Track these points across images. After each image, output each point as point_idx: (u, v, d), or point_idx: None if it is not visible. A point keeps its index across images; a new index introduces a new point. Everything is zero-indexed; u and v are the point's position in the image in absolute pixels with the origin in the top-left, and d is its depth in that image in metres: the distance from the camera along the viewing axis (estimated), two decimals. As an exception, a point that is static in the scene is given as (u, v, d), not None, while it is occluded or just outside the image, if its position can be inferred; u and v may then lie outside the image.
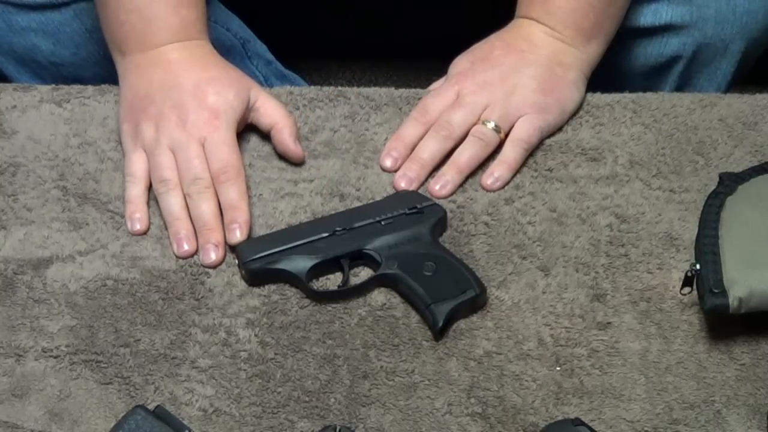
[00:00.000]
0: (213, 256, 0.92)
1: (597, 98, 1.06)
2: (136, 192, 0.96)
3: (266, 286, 0.90)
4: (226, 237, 0.92)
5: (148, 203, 0.96)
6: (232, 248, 0.92)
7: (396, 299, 0.90)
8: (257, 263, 0.90)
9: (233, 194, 0.93)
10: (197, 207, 0.93)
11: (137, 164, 0.97)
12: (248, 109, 1.00)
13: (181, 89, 0.97)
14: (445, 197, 0.97)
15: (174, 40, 0.99)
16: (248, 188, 0.97)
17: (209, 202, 0.93)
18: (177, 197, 0.94)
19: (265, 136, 1.02)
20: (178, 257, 0.92)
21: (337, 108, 1.06)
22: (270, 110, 1.01)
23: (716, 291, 0.82)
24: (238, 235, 0.92)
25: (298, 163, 1.00)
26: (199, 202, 0.93)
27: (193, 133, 0.95)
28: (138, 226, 0.95)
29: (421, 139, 1.00)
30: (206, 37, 1.03)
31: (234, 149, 0.96)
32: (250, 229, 0.93)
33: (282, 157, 1.01)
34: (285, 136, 0.99)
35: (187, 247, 0.92)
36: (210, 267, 0.92)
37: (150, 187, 0.97)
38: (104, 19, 1.02)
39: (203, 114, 0.96)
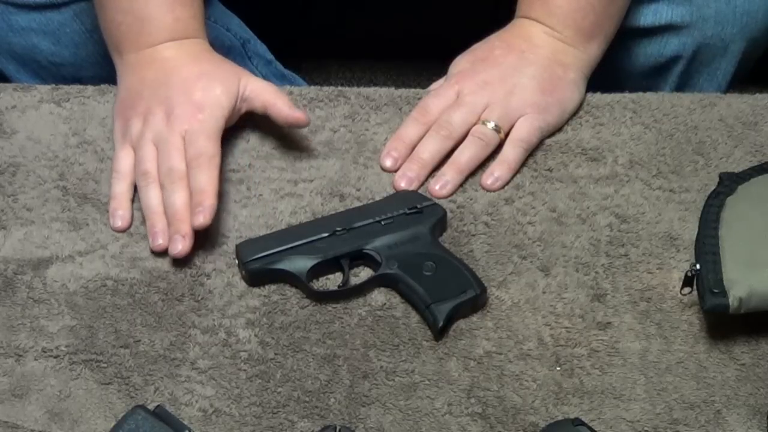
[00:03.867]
0: (179, 246, 0.90)
1: (597, 98, 1.06)
2: (120, 188, 0.96)
3: (266, 287, 0.90)
4: (191, 221, 0.91)
5: (132, 200, 0.96)
6: (219, 245, 0.93)
7: (396, 299, 0.90)
8: (257, 263, 0.90)
9: (202, 179, 0.92)
10: (169, 197, 0.93)
11: (124, 160, 0.97)
12: (239, 100, 0.99)
13: (170, 86, 0.97)
14: (445, 197, 0.97)
15: (168, 39, 0.99)
16: (249, 188, 0.98)
17: (181, 192, 0.92)
18: (156, 190, 0.94)
19: (265, 136, 1.02)
20: (151, 251, 0.92)
21: (337, 108, 1.06)
22: (258, 92, 1.00)
23: (716, 291, 0.82)
24: (201, 219, 0.90)
25: (300, 163, 1.00)
26: (171, 193, 0.93)
27: (175, 126, 0.95)
28: (119, 223, 0.95)
29: (421, 139, 1.00)
30: (202, 35, 1.02)
31: (211, 139, 0.95)
32: (217, 214, 0.92)
33: (282, 156, 1.01)
34: (280, 109, 0.99)
35: (161, 241, 0.92)
36: (176, 257, 0.91)
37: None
38: (102, 20, 1.02)
39: (188, 108, 0.96)
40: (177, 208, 0.92)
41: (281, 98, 0.99)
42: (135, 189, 0.97)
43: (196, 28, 1.02)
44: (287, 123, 1.00)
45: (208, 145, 0.94)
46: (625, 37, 1.11)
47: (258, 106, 1.00)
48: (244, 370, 0.85)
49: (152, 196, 0.94)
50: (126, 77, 1.01)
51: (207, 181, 0.92)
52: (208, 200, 0.91)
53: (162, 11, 0.99)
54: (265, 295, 0.90)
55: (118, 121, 1.00)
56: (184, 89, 0.97)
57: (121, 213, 0.95)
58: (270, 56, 1.26)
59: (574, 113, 1.04)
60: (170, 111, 0.96)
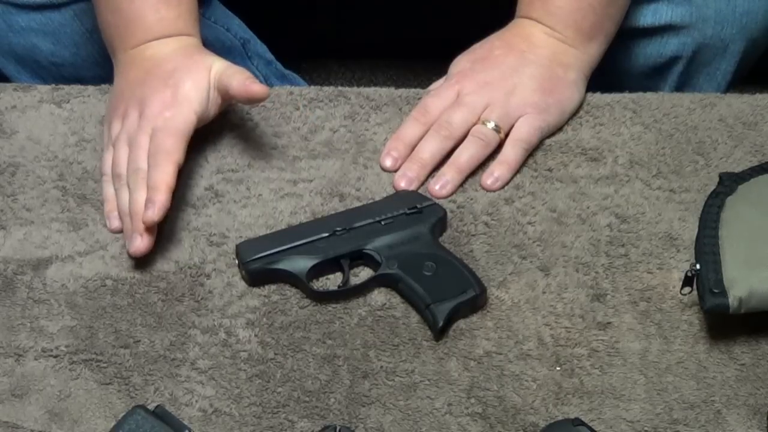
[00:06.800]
0: (136, 243, 0.90)
1: (597, 98, 1.06)
2: (111, 191, 0.96)
3: (266, 286, 0.90)
4: (143, 216, 0.90)
5: None
6: (220, 245, 0.93)
7: (396, 299, 0.90)
8: (257, 263, 0.90)
9: (156, 176, 0.91)
10: (132, 195, 0.92)
11: (107, 162, 0.98)
12: (211, 89, 0.97)
13: (145, 85, 0.97)
14: (445, 197, 0.97)
15: (153, 38, 0.99)
16: (249, 188, 0.98)
17: (142, 192, 0.92)
18: (127, 193, 0.94)
19: (265, 136, 1.02)
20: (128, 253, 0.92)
21: (337, 108, 1.06)
22: (220, 75, 0.97)
23: (716, 291, 0.82)
24: (149, 214, 0.89)
25: (296, 163, 1.00)
26: (134, 191, 0.92)
27: (144, 126, 0.95)
28: (115, 224, 0.95)
29: (421, 139, 1.00)
30: (191, 33, 1.01)
31: (174, 136, 0.93)
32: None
33: (282, 156, 1.01)
34: (239, 87, 0.95)
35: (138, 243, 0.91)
36: (134, 255, 0.90)
37: None
38: (99, 21, 1.03)
39: (157, 107, 0.95)
40: (136, 207, 0.91)
41: (237, 77, 0.96)
42: None
43: (182, 27, 1.00)
44: (245, 98, 0.97)
45: (167, 142, 0.93)
46: (625, 37, 1.11)
47: (222, 89, 0.97)
48: (244, 370, 0.85)
49: (123, 199, 0.94)
50: (116, 78, 1.02)
51: (161, 177, 0.91)
52: (159, 196, 0.90)
53: (147, 11, 0.99)
54: (265, 295, 0.90)
55: (106, 122, 1.00)
56: (157, 87, 0.97)
57: (115, 214, 0.95)
58: (270, 56, 1.26)
59: (574, 113, 1.04)
60: (143, 110, 0.96)
